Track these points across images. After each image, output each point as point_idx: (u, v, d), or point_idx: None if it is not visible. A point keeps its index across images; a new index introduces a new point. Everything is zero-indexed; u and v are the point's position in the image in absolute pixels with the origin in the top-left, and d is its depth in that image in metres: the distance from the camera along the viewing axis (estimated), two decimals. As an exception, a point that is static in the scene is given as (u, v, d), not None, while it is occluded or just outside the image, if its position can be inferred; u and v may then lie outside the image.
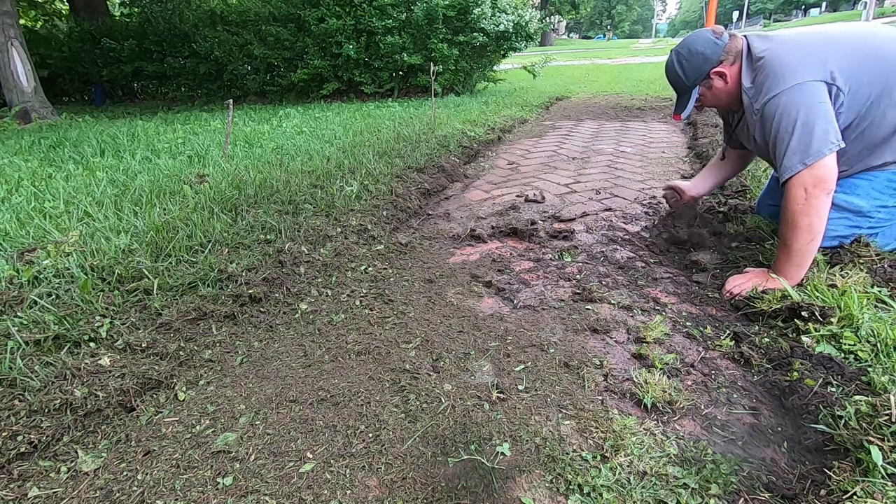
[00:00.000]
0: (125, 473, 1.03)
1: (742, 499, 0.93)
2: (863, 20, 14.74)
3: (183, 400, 1.26)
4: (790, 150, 1.49)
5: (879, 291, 1.44)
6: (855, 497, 0.85)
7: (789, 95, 1.49)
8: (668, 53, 1.76)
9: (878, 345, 1.21)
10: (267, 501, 0.96)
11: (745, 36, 1.67)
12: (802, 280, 1.54)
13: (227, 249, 1.92)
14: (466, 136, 4.11)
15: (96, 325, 1.43)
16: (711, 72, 1.65)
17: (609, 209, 2.53)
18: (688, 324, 1.50)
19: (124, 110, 7.76)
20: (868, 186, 1.60)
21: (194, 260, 1.83)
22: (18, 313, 1.45)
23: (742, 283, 1.61)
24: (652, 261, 1.93)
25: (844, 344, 1.25)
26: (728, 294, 1.62)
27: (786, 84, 1.50)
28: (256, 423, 1.17)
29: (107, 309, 1.51)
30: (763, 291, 1.54)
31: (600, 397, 1.21)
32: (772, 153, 1.58)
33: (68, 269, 1.69)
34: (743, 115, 1.73)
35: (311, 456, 1.07)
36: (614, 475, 0.98)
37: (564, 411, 1.17)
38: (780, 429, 1.10)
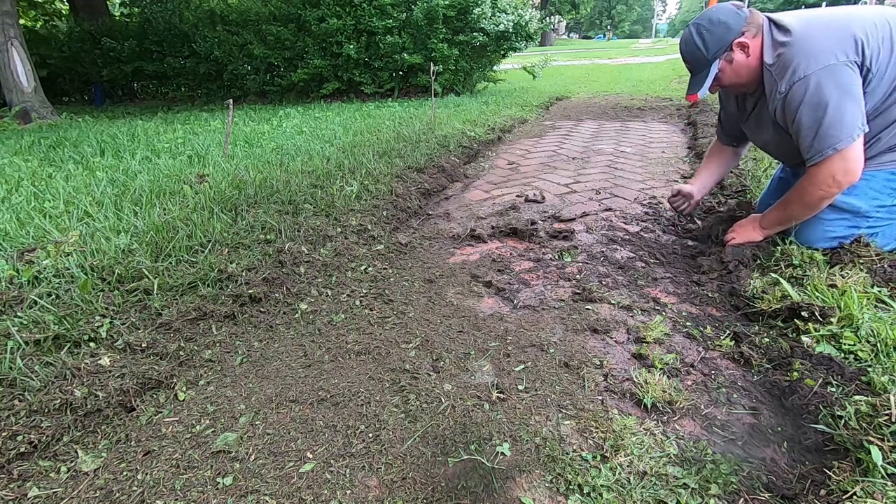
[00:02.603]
0: (125, 473, 1.03)
1: (742, 499, 0.93)
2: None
3: (183, 400, 1.26)
4: (821, 134, 1.47)
5: (879, 291, 1.44)
6: (855, 497, 0.85)
7: (820, 77, 1.44)
8: (685, 29, 1.68)
9: (878, 345, 1.21)
10: (267, 501, 0.96)
11: (765, 15, 1.63)
12: (803, 280, 1.54)
13: (227, 249, 1.92)
14: (466, 136, 4.11)
15: (96, 325, 1.43)
16: (734, 42, 1.58)
17: (609, 209, 2.53)
18: (688, 324, 1.50)
19: (124, 110, 7.76)
20: (866, 186, 1.59)
21: (194, 260, 1.83)
22: (18, 313, 1.45)
23: (736, 238, 1.83)
24: (652, 261, 1.93)
25: (844, 344, 1.25)
26: (729, 241, 1.84)
27: (818, 65, 1.45)
28: (256, 423, 1.17)
29: (107, 309, 1.51)
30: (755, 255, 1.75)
31: (600, 397, 1.21)
32: (796, 136, 1.55)
33: (68, 269, 1.69)
34: (759, 100, 1.68)
35: (311, 456, 1.07)
36: (614, 475, 0.98)
37: (564, 411, 1.17)
38: (780, 429, 1.10)
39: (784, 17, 1.59)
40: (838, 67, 1.44)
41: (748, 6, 1.62)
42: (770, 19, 1.59)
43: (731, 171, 2.77)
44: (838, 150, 1.46)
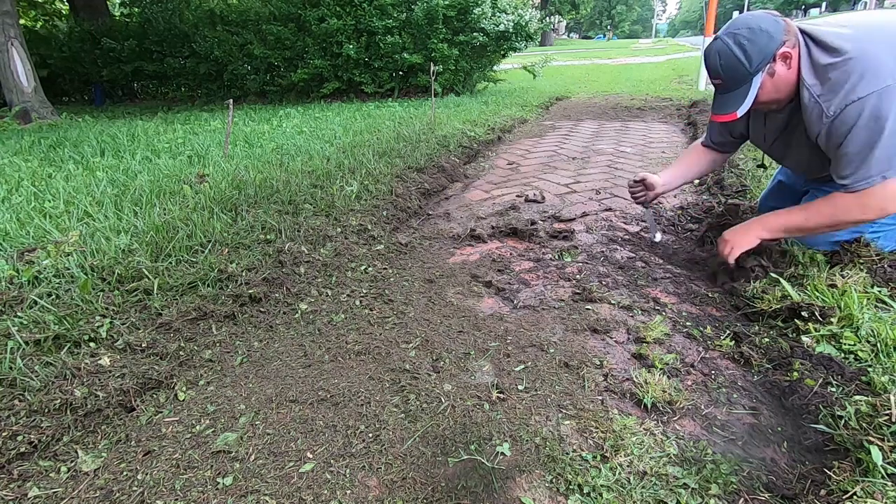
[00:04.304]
0: (125, 473, 1.03)
1: (742, 499, 0.93)
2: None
3: (183, 400, 1.26)
4: (873, 160, 1.36)
5: (879, 291, 1.44)
6: (855, 497, 0.85)
7: (881, 98, 1.32)
8: (714, 41, 1.50)
9: (878, 345, 1.21)
10: (267, 501, 0.96)
11: (796, 24, 1.50)
12: (803, 280, 1.54)
13: (227, 249, 1.92)
14: (466, 136, 4.11)
15: (96, 325, 1.43)
16: (778, 53, 1.42)
17: (609, 209, 2.53)
18: (688, 324, 1.50)
19: (124, 110, 7.76)
20: None
21: (194, 260, 1.83)
22: (18, 313, 1.45)
23: (726, 252, 1.66)
24: (652, 261, 1.93)
25: (844, 344, 1.25)
26: (721, 259, 1.69)
27: (876, 85, 1.32)
28: (256, 423, 1.17)
29: (107, 309, 1.51)
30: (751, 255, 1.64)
31: (600, 397, 1.21)
32: (837, 158, 1.43)
33: (68, 269, 1.69)
34: (789, 120, 1.57)
35: (311, 456, 1.07)
36: (614, 475, 0.98)
37: (564, 411, 1.17)
38: (780, 429, 1.10)
39: (820, 29, 1.46)
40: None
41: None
42: (803, 31, 1.47)
43: (731, 171, 2.77)
44: (888, 178, 1.36)
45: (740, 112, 1.48)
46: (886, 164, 1.36)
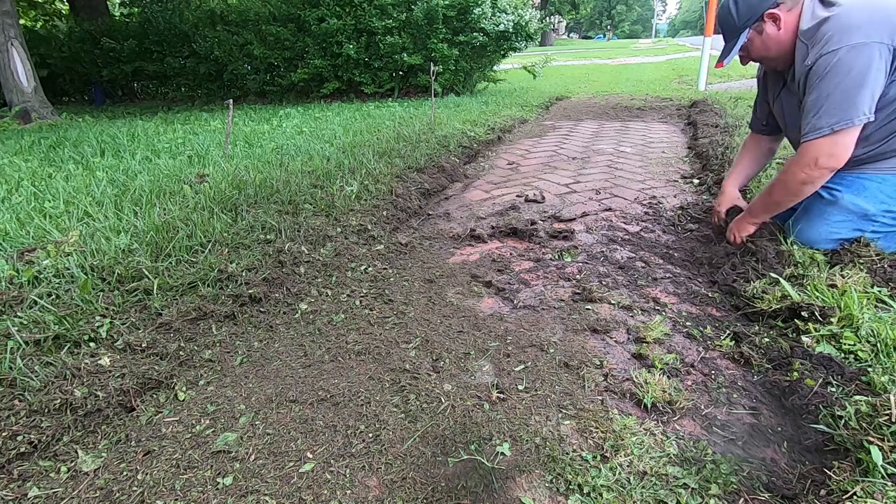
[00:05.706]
0: (125, 473, 1.03)
1: (742, 499, 0.93)
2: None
3: (183, 400, 1.26)
4: (824, 111, 1.45)
5: (879, 291, 1.44)
6: (855, 497, 0.85)
7: (848, 53, 1.42)
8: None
9: (878, 345, 1.21)
10: (267, 501, 0.96)
11: None
12: (803, 280, 1.54)
13: (227, 249, 1.92)
14: (466, 136, 4.11)
15: (96, 325, 1.43)
16: (765, 13, 1.56)
17: (609, 209, 2.53)
18: (688, 324, 1.50)
19: (124, 110, 7.76)
20: (876, 189, 1.58)
21: (194, 260, 1.83)
22: (18, 313, 1.45)
23: (737, 237, 1.85)
24: (652, 261, 1.93)
25: (844, 344, 1.25)
26: (733, 240, 1.86)
27: (848, 41, 1.42)
28: (256, 423, 1.17)
29: (107, 309, 1.51)
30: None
31: (600, 397, 1.21)
32: (804, 107, 1.53)
33: (68, 269, 1.69)
34: (788, 78, 1.66)
35: (311, 456, 1.07)
36: (614, 475, 0.98)
37: (564, 411, 1.17)
38: (780, 429, 1.10)
39: None
40: (867, 47, 1.41)
41: None
42: None
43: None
44: (835, 130, 1.44)
45: (726, 62, 1.68)
46: (836, 118, 1.44)
